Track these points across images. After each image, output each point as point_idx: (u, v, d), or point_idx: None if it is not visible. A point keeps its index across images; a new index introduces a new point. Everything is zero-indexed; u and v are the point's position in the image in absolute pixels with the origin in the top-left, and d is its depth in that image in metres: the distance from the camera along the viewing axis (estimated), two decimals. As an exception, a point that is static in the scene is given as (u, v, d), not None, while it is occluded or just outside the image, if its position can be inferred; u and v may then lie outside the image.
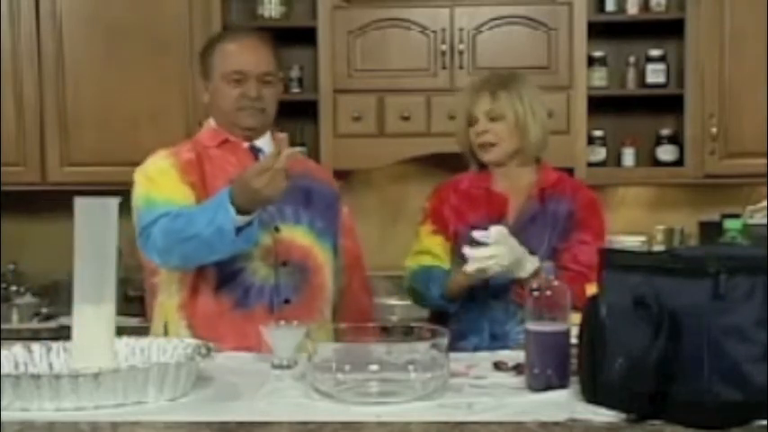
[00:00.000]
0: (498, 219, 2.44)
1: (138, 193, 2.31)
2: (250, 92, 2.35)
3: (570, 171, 3.54)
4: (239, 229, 2.10)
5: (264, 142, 2.42)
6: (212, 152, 2.38)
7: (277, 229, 2.35)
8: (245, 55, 2.36)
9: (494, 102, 2.44)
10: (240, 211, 2.07)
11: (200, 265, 2.26)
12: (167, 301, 2.36)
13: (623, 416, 1.56)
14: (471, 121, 2.47)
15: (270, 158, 2.04)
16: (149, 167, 2.35)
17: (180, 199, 2.26)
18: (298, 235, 2.37)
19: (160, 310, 2.38)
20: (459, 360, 1.94)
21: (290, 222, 2.37)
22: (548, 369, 1.75)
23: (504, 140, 2.45)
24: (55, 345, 1.87)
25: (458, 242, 2.46)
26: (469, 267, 2.26)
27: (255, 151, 2.40)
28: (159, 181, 2.30)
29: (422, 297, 2.50)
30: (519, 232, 2.37)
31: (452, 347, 1.84)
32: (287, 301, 2.32)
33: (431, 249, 2.51)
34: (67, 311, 1.95)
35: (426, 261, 2.50)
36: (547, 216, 2.46)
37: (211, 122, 2.45)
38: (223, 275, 2.29)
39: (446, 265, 2.48)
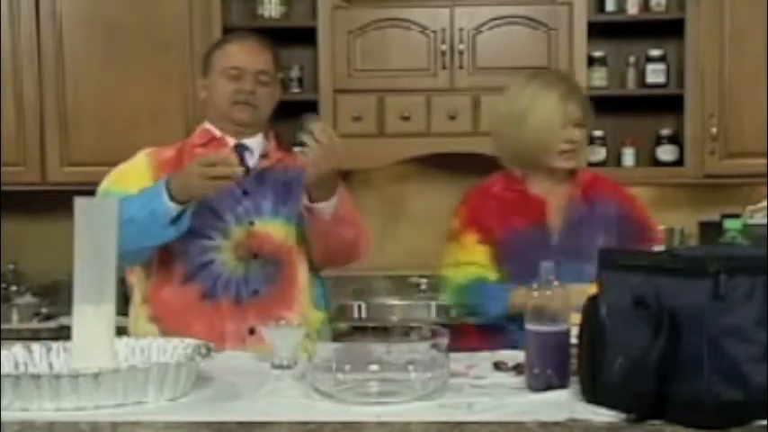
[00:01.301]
0: (539, 223, 2.42)
1: (101, 186, 2.38)
2: (245, 86, 2.38)
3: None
4: (175, 217, 2.16)
5: (254, 142, 2.44)
6: (197, 150, 2.41)
7: (251, 224, 2.37)
8: (243, 53, 2.41)
9: (582, 110, 2.42)
10: (176, 200, 2.14)
11: (133, 256, 2.26)
12: (134, 297, 2.41)
13: (623, 416, 1.56)
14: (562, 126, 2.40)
15: (220, 156, 2.14)
16: (124, 167, 2.41)
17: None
18: (273, 229, 2.37)
19: (132, 308, 2.42)
20: (459, 360, 1.94)
21: (267, 216, 2.38)
22: (548, 369, 1.75)
23: (580, 146, 2.44)
24: (55, 345, 1.87)
25: (503, 248, 2.41)
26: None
27: (242, 149, 2.41)
28: (126, 176, 2.36)
29: (479, 313, 2.44)
30: (568, 236, 2.34)
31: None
32: (255, 292, 2.33)
33: (477, 260, 2.43)
34: (67, 311, 1.96)
35: (474, 272, 2.42)
36: (595, 218, 2.42)
37: (205, 124, 2.48)
38: (192, 267, 2.32)
39: (493, 274, 2.42)
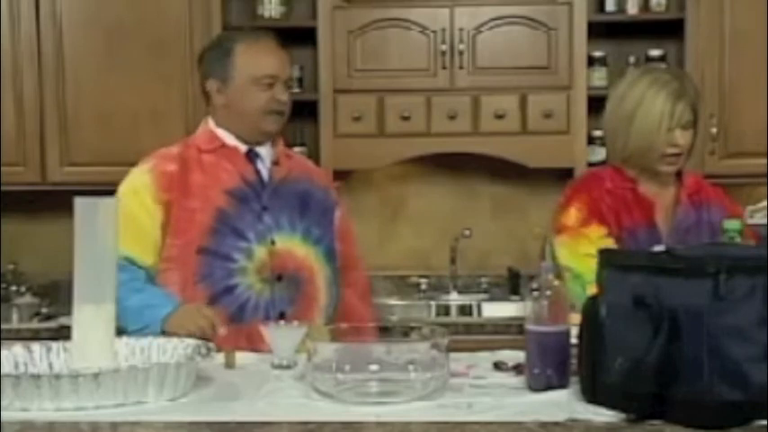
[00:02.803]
0: (649, 224, 2.37)
1: None
2: (280, 95, 2.34)
3: (570, 171, 3.54)
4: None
5: (264, 149, 2.41)
6: (205, 158, 2.36)
7: (273, 243, 2.34)
8: (272, 58, 2.36)
9: (691, 113, 2.35)
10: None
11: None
12: None
13: (623, 416, 1.56)
14: (669, 128, 2.33)
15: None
16: (125, 187, 2.34)
17: (142, 245, 2.26)
18: (293, 246, 2.36)
19: None
20: (459, 360, 1.94)
21: (286, 232, 2.35)
22: (548, 369, 1.75)
23: (686, 150, 2.38)
24: (55, 345, 1.87)
25: (619, 246, 2.32)
26: None
27: (253, 157, 2.39)
28: (127, 207, 2.21)
29: None
30: (676, 241, 2.26)
31: None
32: (281, 315, 2.30)
33: None
34: (67, 311, 1.95)
35: None
36: (702, 224, 2.37)
37: (210, 124, 2.41)
38: (216, 290, 2.28)
39: None
